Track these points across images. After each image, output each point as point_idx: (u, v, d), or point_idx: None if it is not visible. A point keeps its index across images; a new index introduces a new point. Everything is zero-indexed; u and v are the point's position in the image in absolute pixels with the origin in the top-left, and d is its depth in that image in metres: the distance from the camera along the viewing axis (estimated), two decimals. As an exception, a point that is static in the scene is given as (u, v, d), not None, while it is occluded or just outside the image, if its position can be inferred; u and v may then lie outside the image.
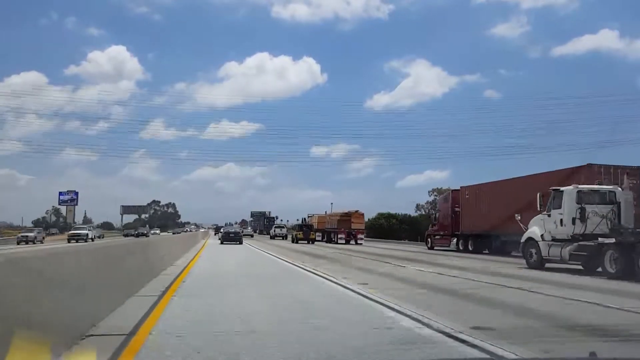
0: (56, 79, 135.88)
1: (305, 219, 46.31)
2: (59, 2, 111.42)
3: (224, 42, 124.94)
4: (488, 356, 4.28)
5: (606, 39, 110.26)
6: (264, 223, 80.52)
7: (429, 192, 60.11)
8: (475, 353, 4.40)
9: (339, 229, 36.80)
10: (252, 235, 57.74)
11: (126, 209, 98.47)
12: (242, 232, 53.40)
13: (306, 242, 36.16)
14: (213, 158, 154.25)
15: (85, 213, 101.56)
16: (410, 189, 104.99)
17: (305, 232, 37.64)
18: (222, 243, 31.98)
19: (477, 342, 4.71)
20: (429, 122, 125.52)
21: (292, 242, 37.42)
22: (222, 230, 40.89)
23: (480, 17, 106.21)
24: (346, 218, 37.36)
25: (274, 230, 50.13)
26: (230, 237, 32.62)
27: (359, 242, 35.52)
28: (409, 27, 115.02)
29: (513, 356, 4.21)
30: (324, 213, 44.94)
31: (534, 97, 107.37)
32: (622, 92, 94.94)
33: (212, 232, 68.19)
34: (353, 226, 36.43)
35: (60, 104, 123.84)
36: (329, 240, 37.38)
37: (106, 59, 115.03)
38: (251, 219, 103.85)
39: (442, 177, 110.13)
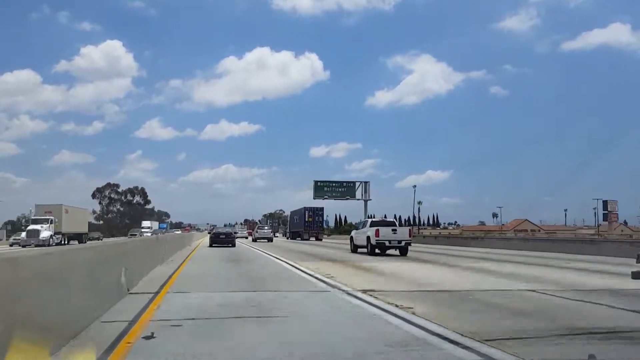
0: (49, 77, 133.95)
1: None
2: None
3: (223, 35, 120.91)
4: None
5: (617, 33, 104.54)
6: (306, 219, 49.49)
7: None
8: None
9: None
10: (270, 239, 41.35)
11: None
12: (254, 234, 44.89)
13: None
14: (211, 159, 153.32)
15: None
16: (410, 190, 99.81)
17: None
18: (211, 246, 28.62)
19: None
20: (433, 120, 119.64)
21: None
22: (213, 231, 34.49)
23: (487, 9, 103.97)
24: None
25: (381, 234, 19.65)
26: (221, 239, 29.21)
27: None
28: (414, 21, 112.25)
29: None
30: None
31: (542, 94, 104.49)
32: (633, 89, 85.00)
33: (204, 240, 42.43)
34: None
35: (54, 104, 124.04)
36: None
37: (100, 54, 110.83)
38: (275, 215, 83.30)
39: (443, 177, 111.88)
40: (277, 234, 73.14)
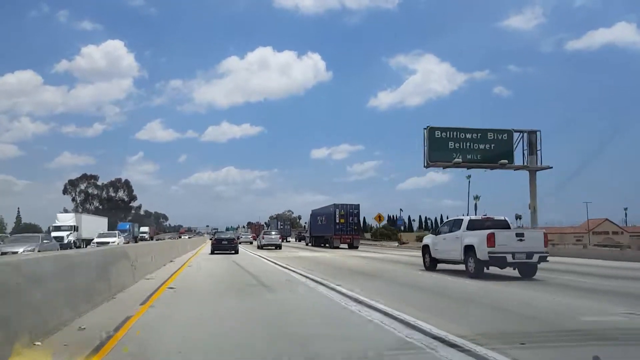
0: (50, 77, 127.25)
1: None
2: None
3: (224, 34, 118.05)
4: None
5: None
6: (336, 221, 37.36)
7: None
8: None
9: None
10: (278, 246, 35.70)
11: None
12: (260, 240, 39.81)
13: None
14: (212, 161, 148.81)
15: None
16: (410, 192, 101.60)
17: None
18: (212, 253, 26.12)
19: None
20: (435, 121, 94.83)
21: None
22: (215, 236, 30.87)
23: (491, 8, 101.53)
24: None
25: (497, 242, 12.23)
26: (223, 246, 26.88)
27: None
28: (418, 20, 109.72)
29: None
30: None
31: (545, 94, 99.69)
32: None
33: (204, 248, 35.09)
34: None
35: (55, 105, 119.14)
36: None
37: (101, 54, 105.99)
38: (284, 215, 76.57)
39: (444, 179, 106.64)
40: (288, 239, 65.54)
